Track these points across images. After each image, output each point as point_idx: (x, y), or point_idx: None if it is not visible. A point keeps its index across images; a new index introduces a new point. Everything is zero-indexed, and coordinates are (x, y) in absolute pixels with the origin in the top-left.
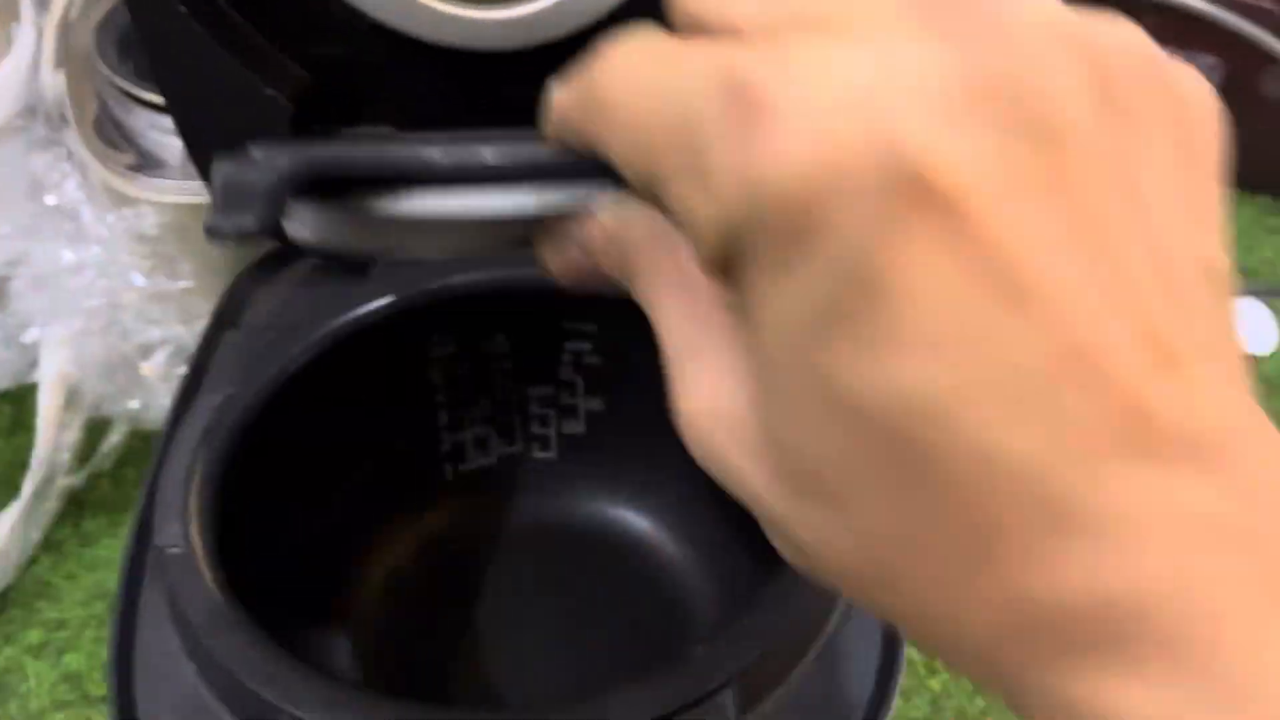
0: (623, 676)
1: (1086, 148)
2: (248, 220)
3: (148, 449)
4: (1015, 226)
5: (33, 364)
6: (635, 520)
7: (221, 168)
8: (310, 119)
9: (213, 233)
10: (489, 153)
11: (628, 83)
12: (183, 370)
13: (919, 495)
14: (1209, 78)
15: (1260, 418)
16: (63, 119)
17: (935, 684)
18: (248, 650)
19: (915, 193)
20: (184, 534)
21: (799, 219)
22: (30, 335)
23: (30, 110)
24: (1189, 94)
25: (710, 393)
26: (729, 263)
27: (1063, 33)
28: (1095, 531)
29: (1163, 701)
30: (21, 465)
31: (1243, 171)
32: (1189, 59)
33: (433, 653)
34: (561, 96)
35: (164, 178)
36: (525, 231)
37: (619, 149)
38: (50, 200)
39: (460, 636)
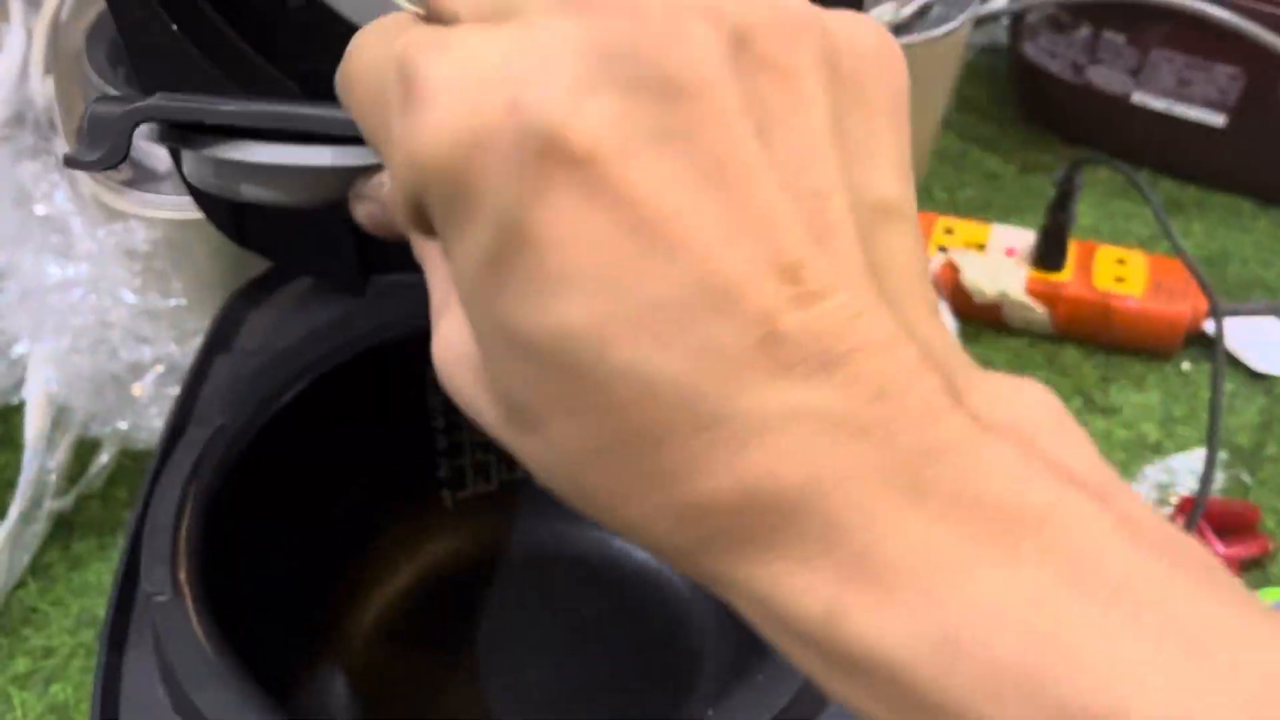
0: None
1: (714, 98)
2: (98, 152)
3: (138, 469)
4: (645, 173)
5: (19, 382)
6: (639, 551)
7: (92, 105)
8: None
9: (69, 162)
10: (312, 113)
11: (358, 58)
12: (174, 390)
13: (593, 417)
14: (1228, 89)
15: (895, 332)
16: (52, 126)
17: None
18: (237, 709)
19: (550, 152)
20: (171, 579)
21: (454, 184)
22: (17, 350)
23: (18, 117)
24: (855, 43)
25: (455, 339)
26: (423, 221)
27: (692, 3)
28: (737, 437)
29: (817, 580)
30: (8, 485)
31: (1261, 183)
32: (1208, 70)
33: (431, 689)
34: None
35: (156, 192)
36: (343, 185)
37: (354, 117)
38: (39, 210)
39: (459, 671)
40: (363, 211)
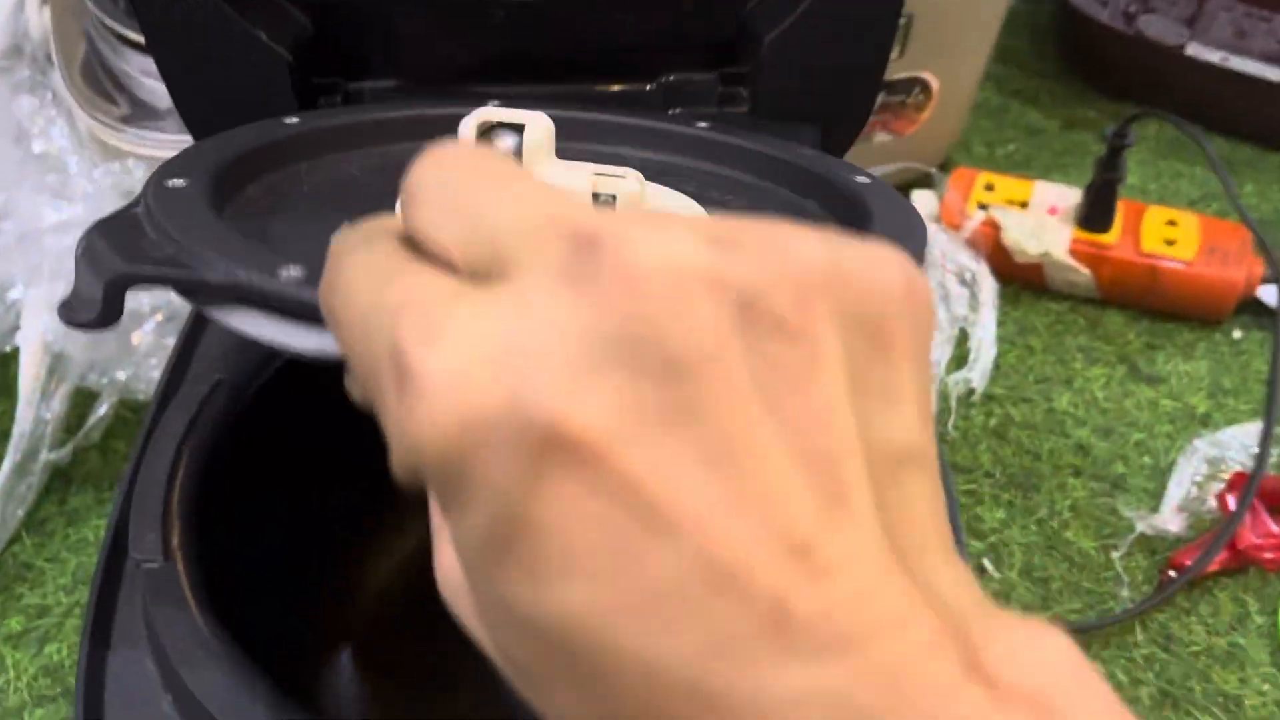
0: None
1: (719, 374)
2: (91, 315)
3: (138, 421)
4: (647, 459)
5: (13, 329)
6: None
7: (77, 268)
8: (310, 71)
9: (65, 319)
10: (295, 291)
11: (345, 300)
12: (174, 340)
13: (598, 694)
14: None
15: (909, 605)
16: (49, 59)
17: None
18: (231, 689)
19: (550, 443)
20: (162, 545)
21: (453, 474)
22: (12, 295)
23: (14, 49)
24: (876, 286)
25: (455, 572)
26: (419, 480)
27: (693, 273)
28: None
29: None
30: (3, 436)
31: None
32: (1269, 20)
33: (441, 665)
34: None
35: (157, 130)
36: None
37: (341, 348)
38: (36, 148)
39: (471, 645)
40: (357, 395)
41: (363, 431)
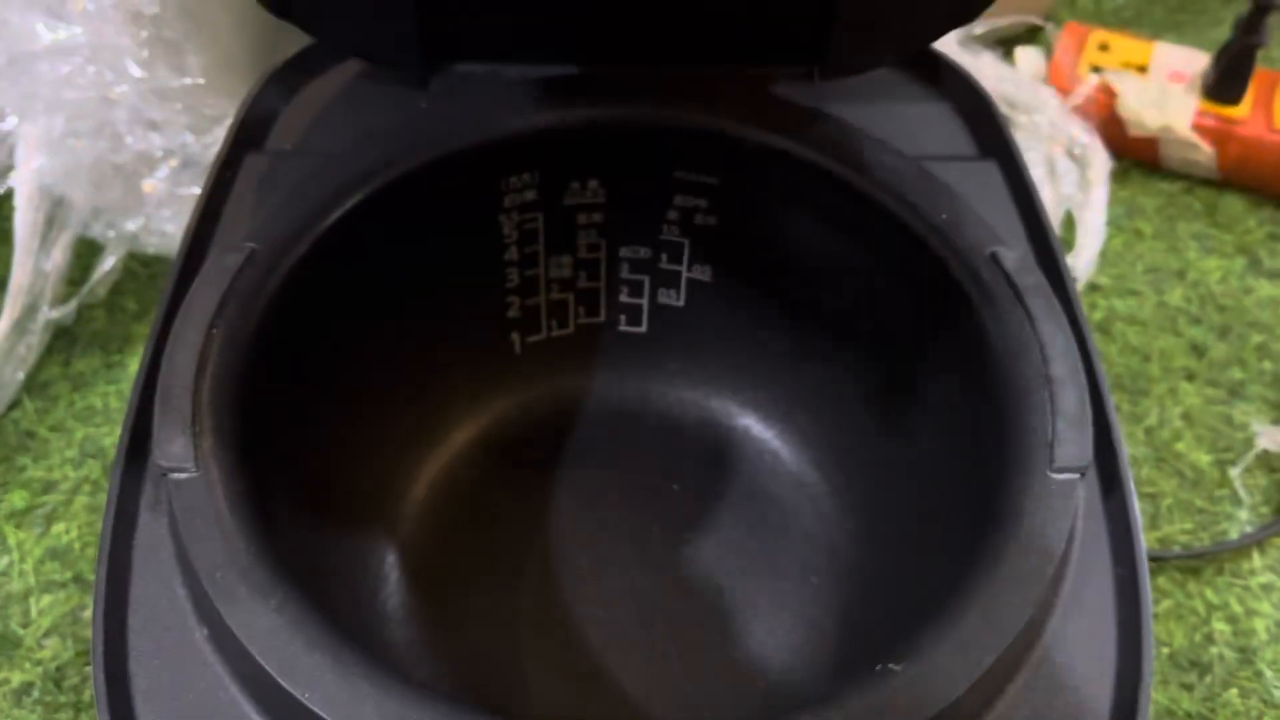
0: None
1: None
2: None
3: (149, 276)
4: None
5: (7, 168)
6: (739, 416)
7: None
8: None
9: None
10: None
11: None
12: (191, 191)
13: None
14: None
15: None
16: None
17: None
18: (277, 630)
19: None
20: (194, 451)
21: None
22: (3, 127)
23: None
24: None
25: None
26: None
27: None
28: None
29: None
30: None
31: None
32: None
33: (493, 575)
34: None
35: None
36: None
37: None
38: None
39: (525, 550)
40: None
41: (411, 308)
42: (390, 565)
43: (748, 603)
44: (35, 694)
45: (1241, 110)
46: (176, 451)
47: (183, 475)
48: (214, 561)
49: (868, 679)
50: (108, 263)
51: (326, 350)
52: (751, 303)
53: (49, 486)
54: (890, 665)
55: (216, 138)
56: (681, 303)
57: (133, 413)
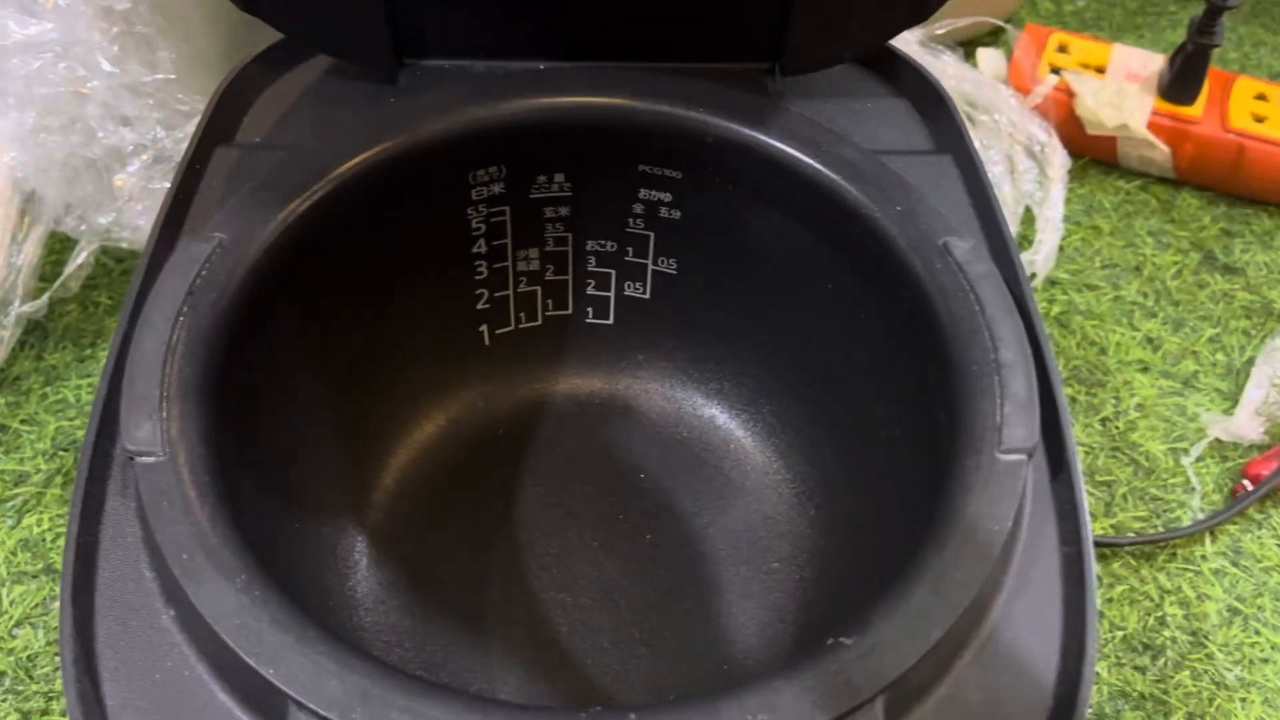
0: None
1: None
2: None
3: (122, 271)
4: None
5: None
6: (705, 406)
7: None
8: None
9: None
10: None
11: None
12: (162, 186)
13: None
14: None
15: None
16: None
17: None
18: (243, 609)
19: None
20: (162, 436)
21: None
22: None
23: None
24: None
25: None
26: None
27: None
28: None
29: None
30: None
31: None
32: None
33: (461, 563)
34: None
35: None
36: None
37: None
38: None
39: (494, 543)
40: None
41: (380, 298)
42: (359, 553)
43: (711, 588)
44: (6, 683)
45: (1196, 110)
46: (143, 436)
47: (150, 459)
48: (180, 543)
49: (819, 652)
50: (80, 257)
51: (294, 339)
52: (716, 295)
53: (21, 479)
54: (841, 639)
55: (188, 132)
56: (647, 295)
57: (101, 400)
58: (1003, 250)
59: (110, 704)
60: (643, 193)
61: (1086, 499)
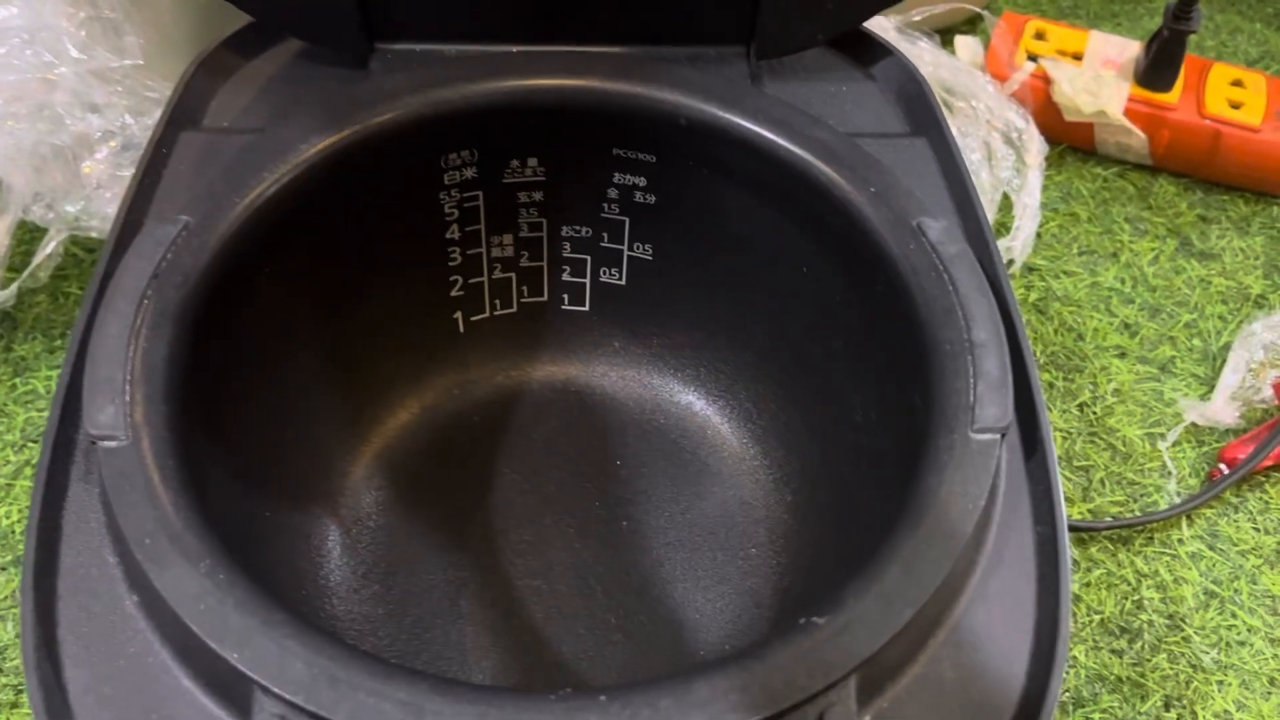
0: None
1: None
2: None
3: (93, 260)
4: None
5: None
6: (681, 392)
7: None
8: None
9: None
10: None
11: None
12: (131, 174)
13: None
14: None
15: None
16: None
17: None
18: (206, 592)
19: None
20: (125, 420)
21: None
22: None
23: None
24: None
25: None
26: None
27: None
28: None
29: None
30: None
31: None
32: None
33: (436, 551)
34: None
35: None
36: None
37: None
38: None
39: (469, 530)
40: None
41: (353, 284)
42: (333, 541)
43: (688, 574)
44: None
45: (1172, 97)
46: (106, 420)
47: (112, 444)
48: (143, 527)
49: (791, 632)
50: (49, 246)
51: (264, 324)
52: (692, 280)
53: None
54: (813, 618)
55: (157, 119)
56: (623, 281)
57: (64, 384)
58: (977, 231)
59: (73, 690)
60: (617, 177)
61: (1061, 479)
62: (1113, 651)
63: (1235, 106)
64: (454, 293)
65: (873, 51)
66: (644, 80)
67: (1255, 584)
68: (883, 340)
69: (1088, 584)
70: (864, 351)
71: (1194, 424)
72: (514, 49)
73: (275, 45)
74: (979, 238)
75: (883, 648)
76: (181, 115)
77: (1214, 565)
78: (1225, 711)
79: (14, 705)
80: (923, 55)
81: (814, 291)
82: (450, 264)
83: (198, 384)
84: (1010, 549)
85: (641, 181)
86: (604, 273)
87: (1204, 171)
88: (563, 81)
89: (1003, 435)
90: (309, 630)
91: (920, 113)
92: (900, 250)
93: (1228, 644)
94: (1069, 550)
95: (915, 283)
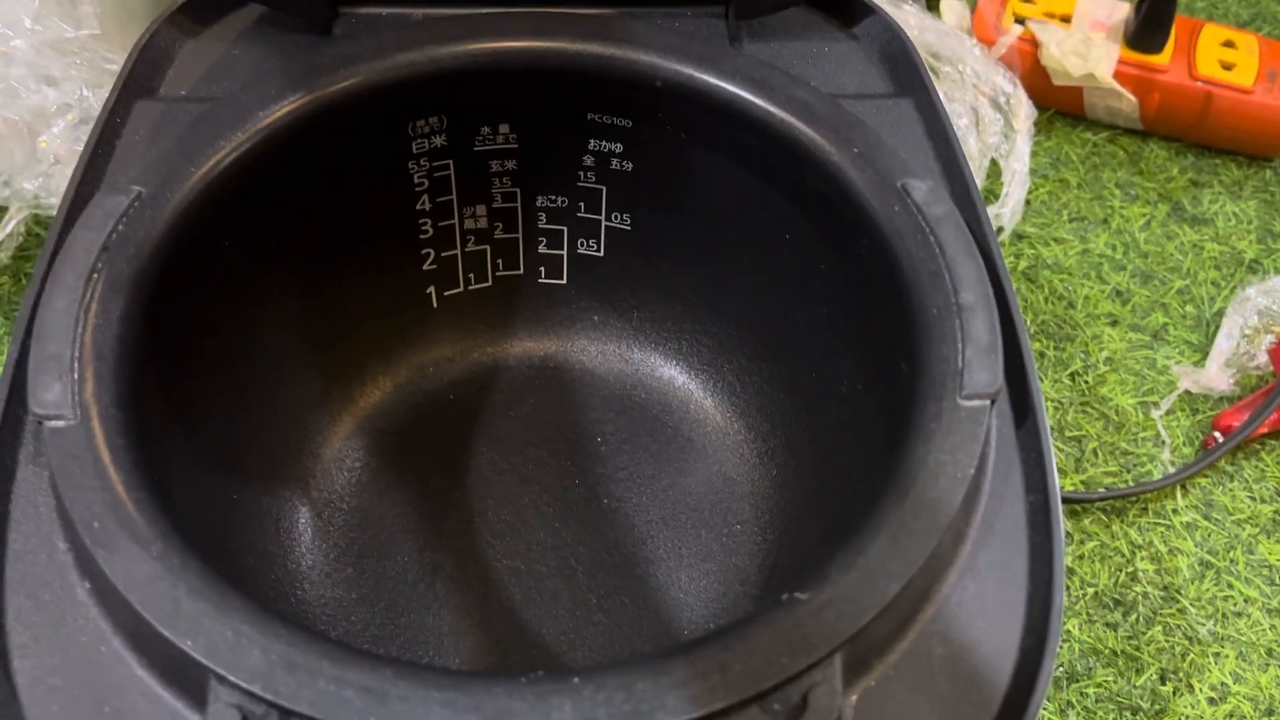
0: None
1: None
2: None
3: None
4: None
5: None
6: (662, 367)
7: None
8: None
9: None
10: None
11: None
12: None
13: None
14: None
15: None
16: None
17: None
18: (159, 577)
19: None
20: (73, 398)
21: None
22: None
23: None
24: None
25: None
26: None
27: None
28: None
29: None
30: None
31: None
32: None
33: (411, 532)
34: None
35: None
36: None
37: None
38: None
39: (445, 511)
40: None
41: (319, 258)
42: (303, 524)
43: (671, 553)
44: None
45: (1163, 58)
46: (52, 399)
47: (60, 423)
48: (92, 510)
49: (774, 609)
50: (9, 225)
51: (224, 300)
52: (671, 251)
53: None
54: (796, 594)
55: None
56: (601, 253)
57: (12, 362)
58: (964, 193)
59: (20, 681)
60: (592, 143)
61: (1053, 446)
62: (1107, 625)
63: (1227, 68)
64: (426, 266)
65: (855, 10)
66: (618, 41)
67: (1252, 553)
68: (868, 307)
69: (1081, 556)
70: (849, 319)
71: (1188, 392)
72: (482, 11)
73: (234, 11)
74: (966, 199)
75: (869, 624)
76: (136, 84)
77: (1209, 535)
78: (1222, 683)
79: None
80: (908, 19)
81: (797, 259)
82: (421, 236)
83: (155, 361)
84: (1001, 520)
85: (618, 148)
86: (581, 244)
87: (1195, 135)
88: (533, 44)
89: (992, 401)
90: (266, 616)
91: (904, 73)
92: (885, 212)
93: (1224, 615)
94: (1062, 520)
95: (900, 245)
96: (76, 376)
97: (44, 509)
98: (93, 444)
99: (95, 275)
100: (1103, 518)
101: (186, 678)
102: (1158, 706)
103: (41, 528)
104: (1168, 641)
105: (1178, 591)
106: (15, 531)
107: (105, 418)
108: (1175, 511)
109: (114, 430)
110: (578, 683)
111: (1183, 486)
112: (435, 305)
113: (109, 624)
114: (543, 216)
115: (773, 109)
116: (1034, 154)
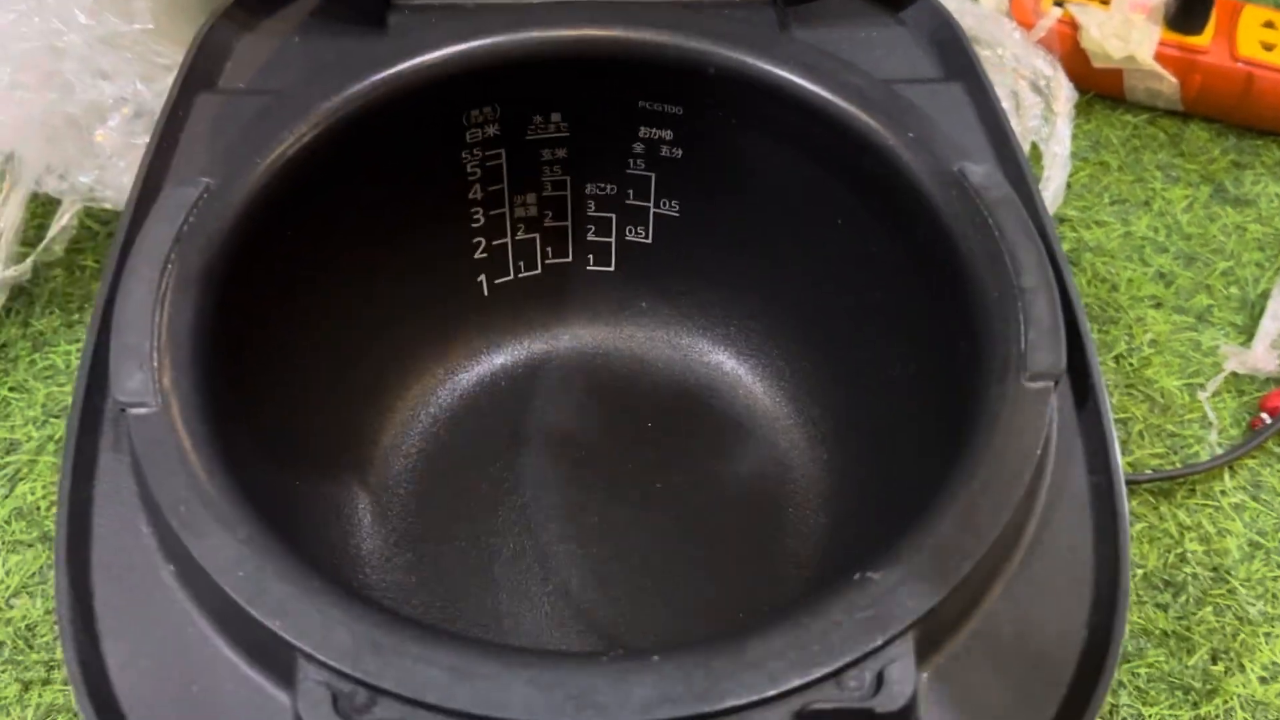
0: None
1: None
2: None
3: (108, 234)
4: None
5: None
6: (711, 352)
7: None
8: None
9: None
10: None
11: None
12: (144, 141)
13: None
14: None
15: None
16: None
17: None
18: (246, 560)
19: None
20: (154, 386)
21: None
22: None
23: None
24: None
25: None
26: None
27: None
28: None
29: None
30: None
31: None
32: None
33: (468, 517)
34: None
35: None
36: None
37: None
38: None
39: (500, 496)
40: None
41: (375, 247)
42: (363, 510)
43: (724, 536)
44: (6, 653)
45: (1204, 39)
46: (134, 387)
47: (142, 410)
48: (177, 495)
49: (845, 587)
50: (63, 219)
51: (287, 288)
52: (720, 237)
53: (12, 447)
54: (869, 574)
55: (169, 85)
56: (650, 239)
57: (89, 353)
58: (1019, 176)
59: (111, 663)
60: (643, 131)
61: (1114, 426)
62: (1157, 605)
63: (1268, 49)
64: (477, 255)
65: None
66: (670, 29)
67: None
68: (924, 291)
69: (1130, 538)
70: (903, 303)
71: (1234, 373)
72: (534, 0)
73: (291, 3)
74: (1020, 182)
75: (941, 602)
76: (196, 77)
77: (1258, 516)
78: (1274, 663)
79: (45, 682)
80: (946, 3)
81: (849, 243)
82: (473, 225)
83: (223, 351)
84: (1064, 501)
85: (668, 135)
86: (630, 231)
87: (1237, 116)
88: (585, 32)
89: (1056, 382)
90: (350, 598)
91: (954, 57)
92: (942, 197)
93: (1274, 595)
94: (1126, 499)
95: (959, 229)
96: (155, 365)
97: (126, 494)
98: (174, 430)
99: (169, 266)
100: (1150, 499)
101: (274, 657)
102: (1210, 686)
103: (125, 513)
104: (1218, 622)
105: (1227, 572)
106: (99, 517)
107: (185, 404)
108: (1223, 493)
109: (194, 416)
110: (657, 660)
111: (1230, 468)
112: (486, 293)
113: (195, 606)
114: (592, 204)
115: (827, 94)
116: (1074, 137)
